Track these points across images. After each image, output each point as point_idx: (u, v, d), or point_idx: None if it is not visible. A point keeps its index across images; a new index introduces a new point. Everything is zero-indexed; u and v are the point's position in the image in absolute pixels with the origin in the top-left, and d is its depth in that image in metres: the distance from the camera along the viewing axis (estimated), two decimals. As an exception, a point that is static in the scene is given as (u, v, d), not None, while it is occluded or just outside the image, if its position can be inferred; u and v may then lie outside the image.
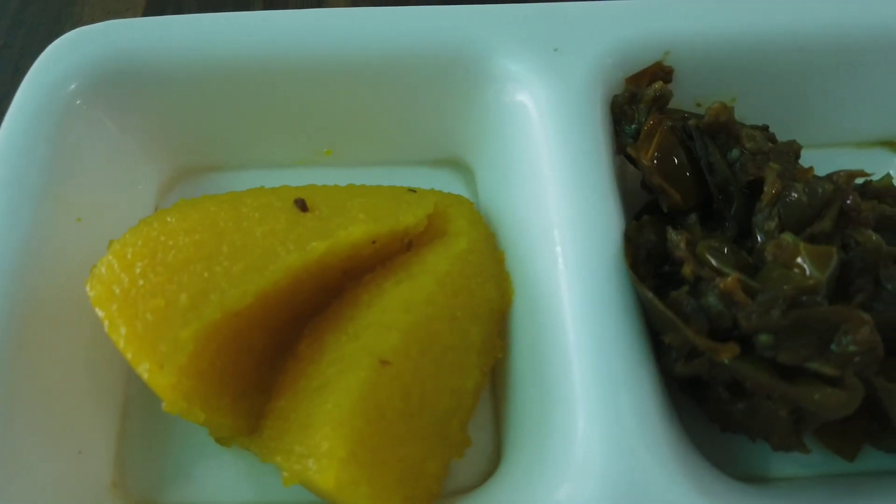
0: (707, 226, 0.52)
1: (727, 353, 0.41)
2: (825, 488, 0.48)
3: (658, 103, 0.53)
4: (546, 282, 0.48)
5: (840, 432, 0.49)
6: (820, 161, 0.65)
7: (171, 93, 0.56)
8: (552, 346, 0.46)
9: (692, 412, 0.48)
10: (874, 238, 0.48)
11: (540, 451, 0.45)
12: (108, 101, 0.55)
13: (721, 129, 0.51)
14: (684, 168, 0.51)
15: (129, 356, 0.42)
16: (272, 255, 0.45)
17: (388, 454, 0.42)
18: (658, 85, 0.53)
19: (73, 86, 0.54)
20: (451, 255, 0.50)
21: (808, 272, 0.43)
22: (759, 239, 0.48)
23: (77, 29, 0.56)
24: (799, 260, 0.44)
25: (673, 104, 0.57)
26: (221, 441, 0.47)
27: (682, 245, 0.46)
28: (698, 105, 0.58)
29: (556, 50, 0.54)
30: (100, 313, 0.44)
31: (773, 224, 0.48)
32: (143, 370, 0.42)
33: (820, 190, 0.49)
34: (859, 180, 0.56)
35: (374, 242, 0.49)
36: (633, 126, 0.53)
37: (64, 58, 0.54)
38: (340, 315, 0.47)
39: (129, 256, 0.45)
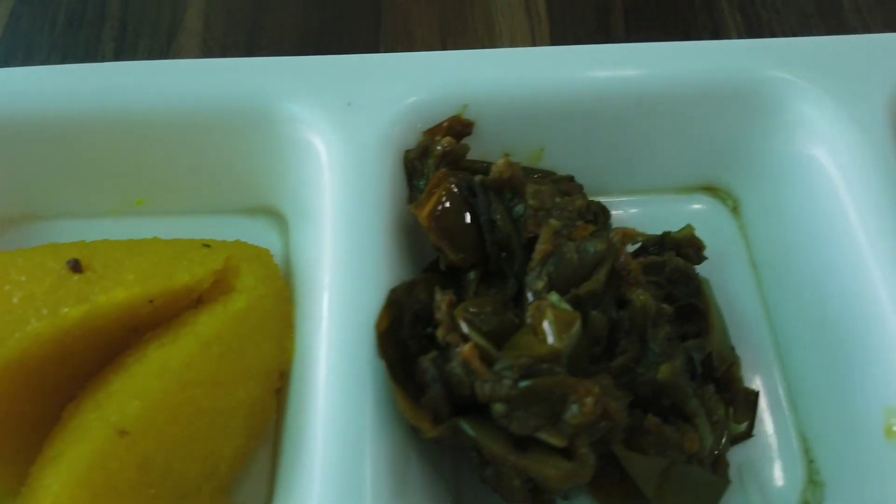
0: (493, 284, 0.52)
1: (427, 430, 0.41)
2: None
3: (448, 158, 0.53)
4: (313, 339, 0.48)
5: (619, 492, 0.49)
6: (645, 207, 0.65)
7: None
8: (308, 407, 0.46)
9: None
10: (642, 298, 0.48)
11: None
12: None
13: (505, 185, 0.51)
14: (465, 226, 0.51)
15: None
16: (21, 322, 0.45)
17: (119, 527, 0.41)
18: (446, 140, 0.53)
19: None
20: (226, 315, 0.49)
21: (549, 339, 0.43)
22: (528, 298, 0.48)
23: None
24: (545, 325, 0.44)
25: (481, 156, 0.57)
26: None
27: (444, 307, 0.46)
28: (507, 156, 0.58)
29: (349, 104, 0.54)
30: None
31: (541, 284, 0.48)
32: None
33: (592, 249, 0.48)
34: (657, 233, 0.56)
35: (151, 301, 0.49)
36: (423, 181, 0.53)
37: None
38: (103, 378, 0.47)
39: None
